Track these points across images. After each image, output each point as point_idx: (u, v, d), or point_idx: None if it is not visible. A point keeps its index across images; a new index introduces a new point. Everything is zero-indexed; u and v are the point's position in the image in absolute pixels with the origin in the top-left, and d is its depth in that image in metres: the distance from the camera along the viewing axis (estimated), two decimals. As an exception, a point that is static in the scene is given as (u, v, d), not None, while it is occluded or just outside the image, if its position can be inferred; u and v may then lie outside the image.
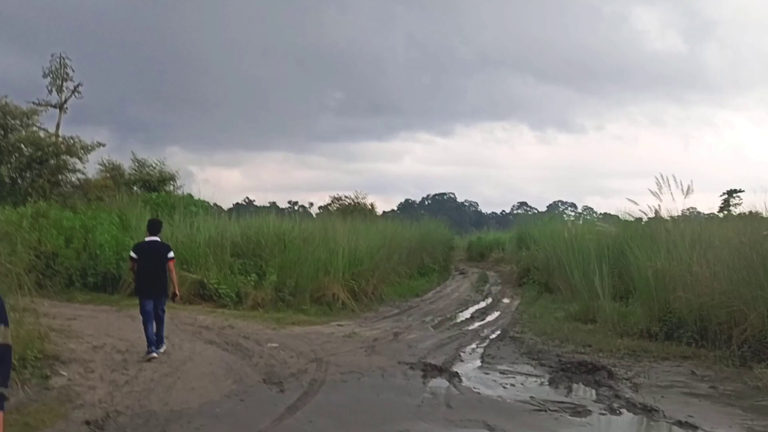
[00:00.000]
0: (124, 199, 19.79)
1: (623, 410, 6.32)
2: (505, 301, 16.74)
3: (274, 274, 14.12)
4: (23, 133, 20.02)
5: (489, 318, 13.40)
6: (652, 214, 16.07)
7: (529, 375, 7.82)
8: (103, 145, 22.22)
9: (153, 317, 8.44)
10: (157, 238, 8.66)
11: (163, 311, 8.72)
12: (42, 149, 20.29)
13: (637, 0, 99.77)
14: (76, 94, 22.39)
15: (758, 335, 8.27)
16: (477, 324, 12.48)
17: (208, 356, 8.68)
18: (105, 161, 23.64)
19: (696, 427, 5.76)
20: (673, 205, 13.21)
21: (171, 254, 8.66)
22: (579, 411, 6.32)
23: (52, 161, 21.12)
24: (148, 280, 8.47)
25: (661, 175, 13.39)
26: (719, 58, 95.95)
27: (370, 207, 35.55)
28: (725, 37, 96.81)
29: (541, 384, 7.40)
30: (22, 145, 20.27)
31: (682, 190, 13.37)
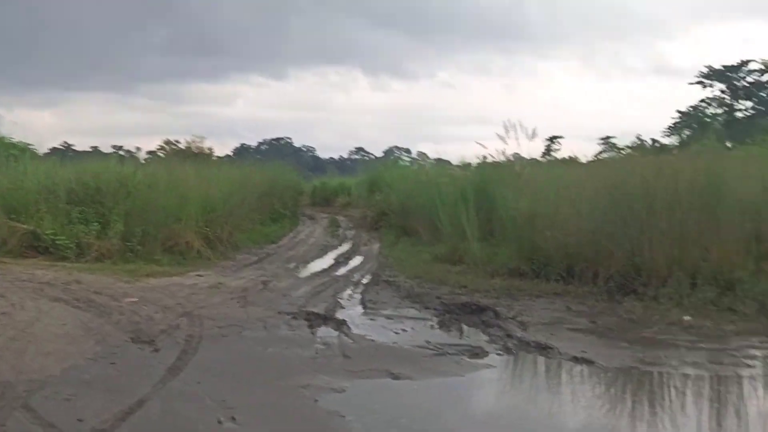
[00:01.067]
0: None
1: (519, 350, 6.35)
2: (365, 245, 16.64)
3: (119, 223, 12.89)
4: None
5: (354, 263, 13.20)
6: (502, 158, 16.69)
7: (417, 319, 7.68)
8: None
9: None
10: None
11: None
12: None
13: None
14: None
15: (622, 271, 8.71)
16: (344, 269, 12.23)
17: (58, 315, 7.67)
18: None
19: (592, 362, 5.89)
20: (520, 150, 13.75)
21: None
22: (477, 353, 6.26)
23: None
24: None
25: (508, 121, 13.86)
26: (539, 11, 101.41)
27: (208, 151, 34.09)
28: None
29: (432, 328, 7.28)
30: None
31: (527, 135, 13.92)
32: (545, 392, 5.54)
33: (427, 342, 6.60)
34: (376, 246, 16.15)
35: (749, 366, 5.79)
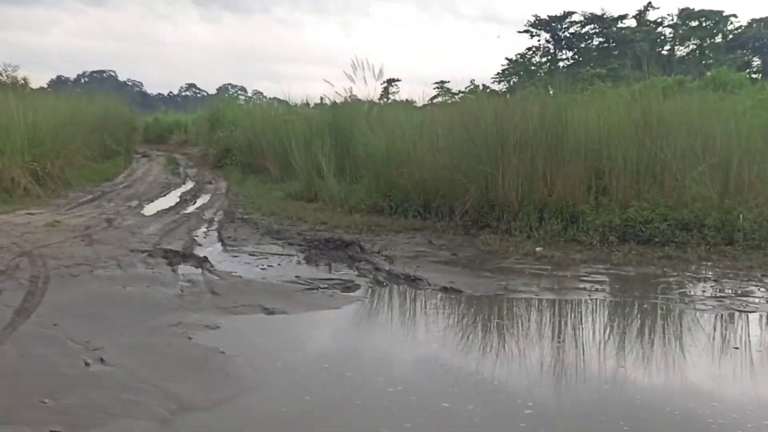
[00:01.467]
0: None
1: (390, 282, 6.43)
2: (210, 183, 16.02)
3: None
4: None
5: (202, 201, 12.66)
6: (348, 97, 16.67)
7: (282, 255, 7.51)
8: None
9: None
10: None
11: None
12: None
13: None
14: None
15: (476, 206, 9.07)
16: (193, 207, 11.70)
17: None
18: None
19: (460, 291, 6.10)
20: (367, 90, 13.81)
21: None
22: (349, 286, 6.25)
23: None
24: None
25: (356, 59, 13.82)
26: None
27: (22, 82, 30.96)
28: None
29: (299, 263, 7.15)
30: None
31: (374, 75, 13.96)
32: (421, 319, 5.67)
33: (297, 277, 6.50)
34: (222, 184, 15.61)
35: (598, 290, 6.27)
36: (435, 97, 23.85)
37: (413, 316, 5.77)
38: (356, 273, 6.73)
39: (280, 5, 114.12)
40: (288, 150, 14.71)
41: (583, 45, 58.52)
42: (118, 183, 16.08)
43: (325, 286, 6.23)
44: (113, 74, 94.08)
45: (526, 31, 59.18)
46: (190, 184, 15.97)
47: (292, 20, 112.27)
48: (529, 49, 59.85)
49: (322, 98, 20.87)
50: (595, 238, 7.90)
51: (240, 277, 6.46)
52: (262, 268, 6.88)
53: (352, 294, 6.07)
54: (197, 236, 8.67)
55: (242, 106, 24.74)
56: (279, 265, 7.06)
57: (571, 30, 58.09)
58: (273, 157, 15.50)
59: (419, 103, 18.50)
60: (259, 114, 19.19)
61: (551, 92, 11.98)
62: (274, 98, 27.63)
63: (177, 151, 29.36)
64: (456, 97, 23.85)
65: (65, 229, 8.80)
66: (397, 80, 40.81)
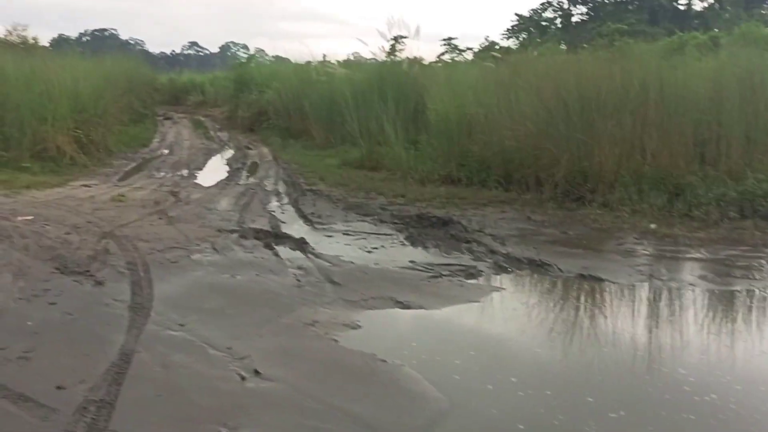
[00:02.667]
0: None
1: (513, 267, 5.88)
2: (249, 149, 15.36)
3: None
4: None
5: (253, 169, 12.06)
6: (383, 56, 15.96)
7: (379, 235, 6.93)
8: None
9: None
10: None
11: None
12: None
13: None
14: None
15: (569, 177, 8.47)
16: (248, 177, 11.09)
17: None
18: None
19: (602, 279, 5.55)
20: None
21: None
22: (472, 273, 5.70)
23: None
24: None
25: (392, 17, 13.07)
26: None
27: (32, 42, 29.98)
28: None
29: (403, 244, 6.60)
30: None
31: (409, 32, 13.19)
32: (585, 316, 5.07)
33: (412, 262, 5.93)
34: (264, 150, 14.94)
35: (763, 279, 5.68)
36: (443, 54, 22.97)
37: (575, 312, 5.14)
38: (471, 257, 6.17)
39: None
40: (334, 113, 14.09)
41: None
42: (154, 148, 15.46)
43: (447, 273, 5.67)
44: (115, 32, 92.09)
45: (538, -15, 57.41)
46: (230, 151, 15.33)
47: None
48: (541, 3, 58.24)
49: (357, 56, 20.19)
50: (714, 214, 7.29)
51: (352, 263, 5.89)
52: (368, 251, 6.32)
53: (479, 282, 5.52)
54: (274, 212, 8.10)
55: (270, 66, 23.82)
56: (383, 247, 6.49)
57: (585, -17, 56.40)
58: (317, 120, 14.84)
59: (426, 61, 17.81)
60: (294, 74, 18.37)
61: (555, 48, 11.28)
62: (274, 56, 26.63)
63: (198, 113, 28.57)
64: (463, 54, 23.01)
65: (134, 205, 8.23)
66: (403, 37, 39.67)
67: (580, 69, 8.73)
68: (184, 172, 11.70)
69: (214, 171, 12.05)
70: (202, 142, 16.86)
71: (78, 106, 12.46)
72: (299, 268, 5.71)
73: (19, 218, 7.09)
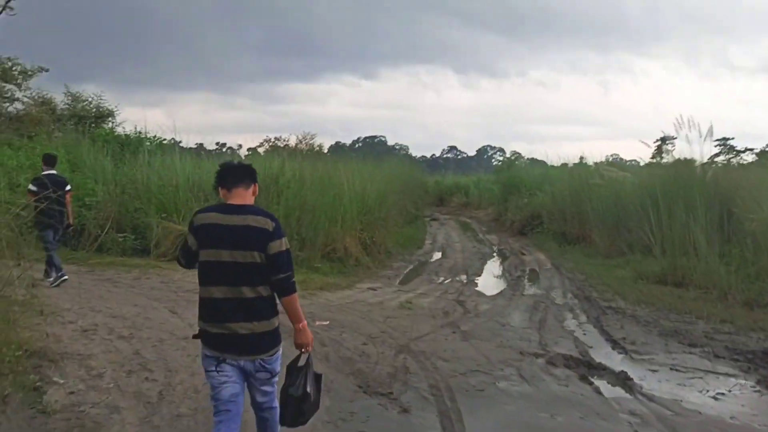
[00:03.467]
0: (67, 135, 16.36)
1: None
2: (524, 254, 14.65)
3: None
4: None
5: (534, 277, 11.27)
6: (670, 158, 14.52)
7: (719, 375, 5.66)
8: (46, 70, 18.30)
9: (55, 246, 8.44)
10: (54, 171, 8.58)
11: (60, 240, 8.90)
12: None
13: None
14: (8, 10, 18.36)
15: None
16: (533, 287, 10.32)
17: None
18: (35, 95, 20.08)
19: None
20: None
21: (68, 187, 8.66)
22: None
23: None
24: (50, 212, 7.59)
25: (680, 117, 11.68)
26: (637, 6, 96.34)
27: (317, 149, 32.89)
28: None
29: (759, 392, 5.26)
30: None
31: (700, 133, 11.64)
32: None
33: (779, 418, 4.61)
34: (540, 256, 14.11)
35: None
36: (716, 155, 20.42)
37: None
38: None
39: (537, 68, 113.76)
40: (620, 218, 12.96)
41: None
42: (428, 251, 15.45)
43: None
44: (383, 139, 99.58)
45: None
46: (503, 254, 14.77)
47: (549, 81, 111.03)
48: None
49: (639, 159, 18.88)
50: None
51: (699, 413, 4.72)
52: (713, 397, 5.09)
53: None
54: (575, 332, 7.16)
55: (539, 169, 23.31)
56: (731, 392, 5.21)
57: None
58: (599, 226, 13.76)
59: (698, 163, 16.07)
60: (568, 177, 17.56)
61: None
62: (529, 158, 25.90)
63: (463, 215, 28.90)
64: (742, 155, 20.20)
65: (423, 314, 7.85)
66: (672, 138, 36.90)
67: None
68: (463, 277, 11.30)
69: (493, 277, 11.52)
70: (473, 246, 16.56)
71: (364, 208, 12.87)
72: (631, 413, 4.68)
73: (317, 323, 7.01)
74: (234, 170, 3.32)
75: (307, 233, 11.49)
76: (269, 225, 3.16)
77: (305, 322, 3.30)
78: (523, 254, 14.61)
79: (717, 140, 19.64)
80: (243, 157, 21.02)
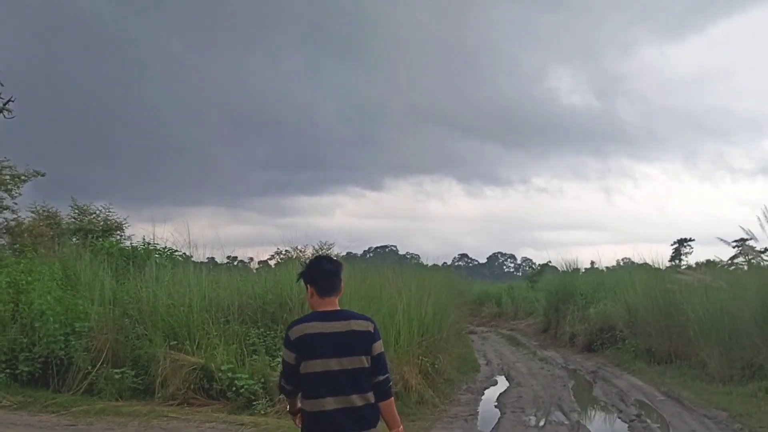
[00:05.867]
0: (66, 249, 13.93)
1: None
2: (615, 378, 11.79)
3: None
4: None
5: (661, 418, 8.44)
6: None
7: None
8: (42, 175, 16.29)
9: None
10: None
11: None
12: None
13: (552, 58, 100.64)
14: (5, 113, 16.57)
15: None
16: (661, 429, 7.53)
17: None
18: (38, 208, 18.12)
19: None
20: None
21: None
22: None
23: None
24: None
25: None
26: (634, 113, 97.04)
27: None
28: (632, 91, 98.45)
29: None
30: None
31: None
32: None
33: None
34: (636, 380, 11.27)
35: None
36: (734, 257, 17.85)
37: None
38: None
39: (539, 175, 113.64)
40: (733, 332, 10.31)
41: None
42: (488, 374, 12.69)
43: None
44: (394, 248, 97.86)
45: None
46: (585, 379, 11.92)
47: (552, 188, 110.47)
48: None
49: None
50: None
51: None
52: None
53: None
54: None
55: (598, 274, 20.72)
56: None
57: None
58: (705, 341, 11.01)
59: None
60: (640, 282, 14.90)
61: None
62: (540, 265, 23.84)
63: (500, 326, 26.23)
64: (762, 255, 17.76)
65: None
66: (690, 240, 34.70)
67: None
68: (561, 417, 8.50)
69: (601, 415, 8.71)
70: (539, 366, 13.71)
71: (421, 328, 10.23)
72: None
73: None
74: (334, 279, 3.19)
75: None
76: (370, 327, 3.14)
77: (402, 426, 3.14)
78: (605, 380, 11.74)
79: (736, 241, 16.43)
80: (254, 271, 18.28)
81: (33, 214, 18.19)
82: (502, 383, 11.72)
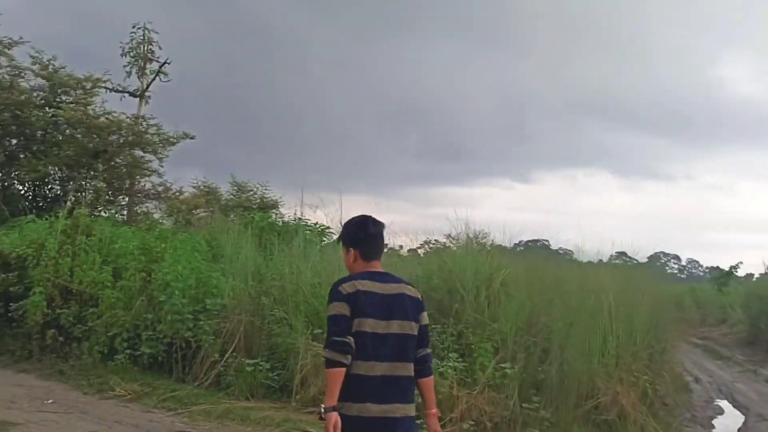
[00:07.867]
0: (215, 221, 12.55)
1: None
2: None
3: (489, 359, 6.53)
4: (76, 112, 13.19)
5: None
6: None
7: None
8: (192, 137, 15.25)
9: None
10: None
11: None
12: (101, 135, 13.38)
13: (726, 45, 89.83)
14: (161, 75, 15.79)
15: None
16: None
17: None
18: (200, 184, 17.43)
19: None
20: None
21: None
22: None
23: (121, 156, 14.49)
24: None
25: None
26: None
27: (489, 249, 27.99)
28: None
29: None
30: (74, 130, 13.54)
31: None
32: None
33: None
34: None
35: None
36: None
37: None
38: None
39: (706, 171, 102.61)
40: None
41: None
42: (701, 394, 9.96)
43: None
44: (546, 243, 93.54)
45: None
46: None
47: (723, 185, 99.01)
48: None
49: None
50: None
51: None
52: None
53: None
54: None
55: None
56: None
57: None
58: None
59: None
60: None
61: None
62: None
63: (685, 332, 22.41)
64: None
65: None
66: None
67: None
68: None
69: None
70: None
71: (632, 338, 7.58)
72: None
73: None
74: (379, 241, 3.01)
75: (548, 373, 6.46)
76: (419, 294, 2.94)
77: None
78: None
79: None
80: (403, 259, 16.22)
81: (194, 190, 17.59)
82: (730, 411, 8.88)
